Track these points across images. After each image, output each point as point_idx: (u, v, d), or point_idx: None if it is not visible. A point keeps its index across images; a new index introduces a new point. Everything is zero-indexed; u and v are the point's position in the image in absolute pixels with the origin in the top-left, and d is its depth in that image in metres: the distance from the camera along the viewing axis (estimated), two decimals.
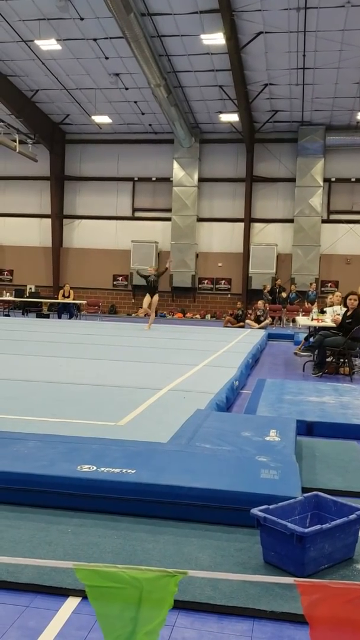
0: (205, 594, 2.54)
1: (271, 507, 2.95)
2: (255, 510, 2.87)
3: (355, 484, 4.02)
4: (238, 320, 19.85)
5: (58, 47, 18.45)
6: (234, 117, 21.92)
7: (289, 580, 1.56)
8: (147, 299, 16.08)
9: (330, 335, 9.50)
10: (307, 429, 5.47)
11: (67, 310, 21.19)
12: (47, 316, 21.34)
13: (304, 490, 3.48)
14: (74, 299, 21.26)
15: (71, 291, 21.25)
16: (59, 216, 26.39)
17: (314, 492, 3.22)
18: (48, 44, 18.28)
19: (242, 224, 24.76)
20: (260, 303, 19.82)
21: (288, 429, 4.85)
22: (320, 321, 10.95)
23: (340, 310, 11.23)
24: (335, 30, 16.44)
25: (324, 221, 24.14)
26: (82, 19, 16.92)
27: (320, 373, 9.40)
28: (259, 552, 2.91)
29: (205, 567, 2.77)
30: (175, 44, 18.08)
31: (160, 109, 21.03)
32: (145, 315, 16.50)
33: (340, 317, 9.78)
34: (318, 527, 2.74)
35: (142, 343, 12.34)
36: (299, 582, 1.51)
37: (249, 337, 14.36)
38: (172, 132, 23.77)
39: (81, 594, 2.51)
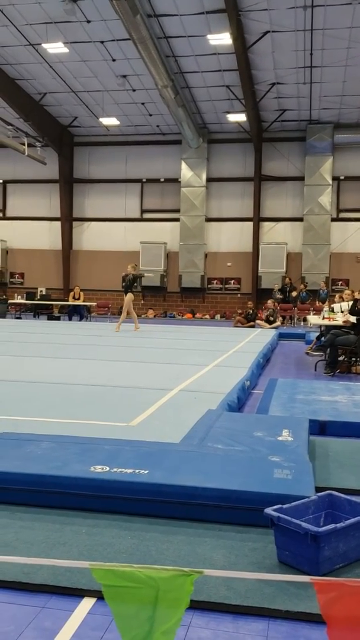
0: (220, 594, 2.54)
1: (285, 506, 2.94)
2: (268, 510, 2.87)
3: None
4: (248, 320, 19.81)
5: (65, 50, 18.52)
6: (241, 117, 21.89)
7: (305, 579, 1.55)
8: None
9: (342, 334, 9.47)
10: (320, 428, 5.45)
11: (78, 312, 21.24)
12: (57, 318, 21.40)
13: (318, 489, 3.47)
14: (84, 301, 21.32)
15: (81, 293, 21.31)
16: (68, 219, 26.47)
17: (328, 491, 3.21)
18: (55, 47, 18.35)
19: (251, 224, 24.72)
20: (270, 303, 19.77)
21: (301, 428, 4.84)
22: (331, 320, 10.91)
23: (348, 307, 11.19)
24: (343, 27, 16.38)
25: (333, 219, 24.06)
26: (88, 21, 16.97)
27: (333, 372, 9.37)
28: (273, 552, 2.90)
29: (220, 567, 2.76)
30: (182, 45, 18.09)
31: (168, 110, 21.05)
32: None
33: (351, 318, 9.74)
34: (332, 526, 2.73)
35: (152, 344, 12.35)
36: (315, 581, 1.50)
37: (259, 336, 14.33)
38: (179, 133, 23.78)
39: (96, 594, 2.51)
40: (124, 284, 15.72)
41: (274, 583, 2.62)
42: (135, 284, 15.48)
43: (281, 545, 2.84)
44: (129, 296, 15.46)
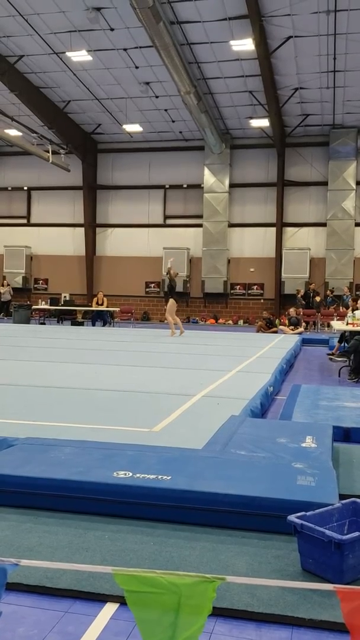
0: (243, 601, 2.53)
1: (308, 513, 2.92)
2: (292, 517, 2.85)
3: None
4: (269, 327, 19.66)
5: (89, 57, 18.69)
6: (264, 122, 21.87)
7: (329, 587, 1.54)
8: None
9: None
10: (344, 435, 5.40)
11: (101, 318, 21.34)
12: (81, 324, 21.53)
13: (342, 497, 3.44)
14: (107, 307, 21.42)
15: (105, 299, 21.41)
16: (91, 225, 26.66)
17: (352, 499, 3.18)
18: (79, 55, 18.54)
19: (274, 229, 24.64)
20: (292, 310, 19.64)
21: (324, 435, 4.80)
22: (355, 325, 10.82)
23: None
24: None
25: (357, 224, 23.87)
26: (112, 29, 17.12)
27: (357, 378, 9.28)
28: (296, 560, 2.88)
29: (243, 574, 2.75)
30: (204, 51, 18.14)
31: (191, 116, 21.11)
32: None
33: None
34: (357, 533, 2.70)
35: (175, 349, 12.36)
36: (339, 589, 1.49)
37: (282, 342, 14.26)
38: (202, 139, 23.83)
39: (119, 599, 2.52)
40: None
41: (298, 591, 2.60)
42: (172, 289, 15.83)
43: (305, 553, 2.82)
44: (169, 302, 15.76)
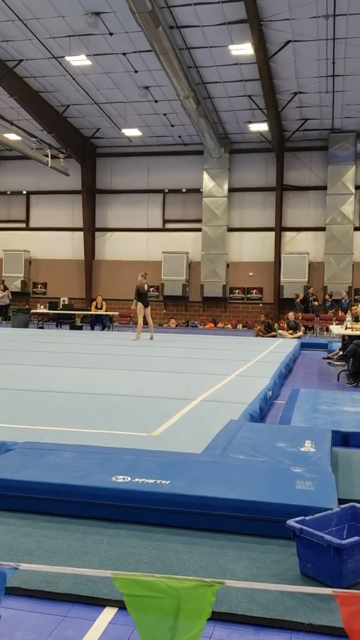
0: (242, 606, 2.52)
1: (307, 518, 2.92)
2: (291, 522, 2.85)
3: None
4: (268, 330, 19.67)
5: (88, 62, 18.74)
6: (263, 127, 21.91)
7: (328, 591, 1.54)
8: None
9: None
10: (343, 439, 5.39)
11: (100, 322, 21.34)
12: (80, 328, 21.52)
13: (341, 501, 3.44)
14: (106, 311, 21.42)
15: (104, 303, 21.41)
16: (90, 229, 26.68)
17: (351, 504, 3.17)
18: (78, 60, 18.58)
19: (272, 233, 24.67)
20: (290, 314, 19.65)
21: (323, 439, 4.80)
22: (354, 330, 10.83)
23: None
24: None
25: (356, 229, 23.91)
26: (111, 34, 17.16)
27: (356, 383, 9.29)
28: (295, 564, 2.88)
29: (241, 579, 2.75)
30: (203, 56, 18.19)
31: (190, 120, 21.16)
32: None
33: None
34: (356, 538, 2.70)
35: (174, 353, 12.36)
36: (338, 593, 1.49)
37: (281, 346, 14.26)
38: (201, 143, 23.87)
39: (118, 604, 2.52)
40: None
41: (297, 595, 2.60)
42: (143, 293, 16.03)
43: (304, 558, 2.82)
44: (139, 305, 15.75)
